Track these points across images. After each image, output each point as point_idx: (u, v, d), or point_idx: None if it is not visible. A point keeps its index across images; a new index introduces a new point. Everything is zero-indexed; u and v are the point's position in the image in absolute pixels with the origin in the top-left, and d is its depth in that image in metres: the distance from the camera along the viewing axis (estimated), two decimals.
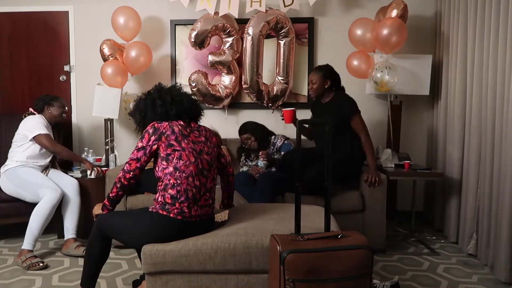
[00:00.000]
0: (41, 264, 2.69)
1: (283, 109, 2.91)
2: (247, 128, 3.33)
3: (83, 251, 2.77)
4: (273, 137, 3.36)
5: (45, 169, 3.11)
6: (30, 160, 3.01)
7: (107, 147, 3.67)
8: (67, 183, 3.04)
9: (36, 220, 2.78)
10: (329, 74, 3.02)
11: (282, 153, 3.21)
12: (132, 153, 1.92)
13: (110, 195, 1.96)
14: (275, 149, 3.26)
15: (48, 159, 3.12)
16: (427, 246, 3.08)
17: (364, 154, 2.97)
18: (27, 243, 2.76)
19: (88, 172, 3.24)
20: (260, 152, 3.16)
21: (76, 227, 2.99)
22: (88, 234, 2.06)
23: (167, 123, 1.95)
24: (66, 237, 2.96)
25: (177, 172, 1.88)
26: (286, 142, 3.29)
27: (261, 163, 3.12)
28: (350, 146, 2.95)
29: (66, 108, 3.25)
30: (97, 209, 2.04)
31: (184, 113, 2.01)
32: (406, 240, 3.20)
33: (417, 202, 3.42)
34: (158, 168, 1.93)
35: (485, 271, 2.62)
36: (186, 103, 2.03)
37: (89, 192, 3.18)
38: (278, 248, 1.60)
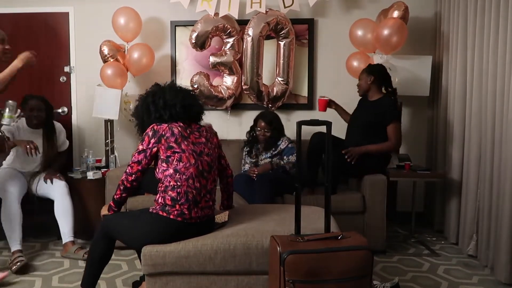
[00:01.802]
0: (18, 264, 2.61)
1: (319, 98, 3.28)
2: (273, 119, 3.21)
3: (83, 255, 2.77)
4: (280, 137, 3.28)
5: (33, 175, 3.08)
6: (17, 163, 3.06)
7: (107, 148, 3.67)
8: (54, 187, 2.99)
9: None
10: (373, 71, 3.06)
11: (285, 157, 3.17)
12: (133, 155, 1.94)
13: (115, 197, 1.99)
14: (277, 151, 3.23)
15: (34, 166, 3.11)
16: (427, 247, 3.08)
17: (389, 156, 3.08)
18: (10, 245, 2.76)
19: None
20: (252, 170, 3.10)
21: (73, 229, 2.94)
22: (86, 234, 2.06)
23: (166, 125, 1.94)
24: (64, 241, 2.92)
25: (177, 174, 1.88)
26: (290, 145, 3.20)
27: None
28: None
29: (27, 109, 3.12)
30: (104, 210, 2.08)
31: (177, 116, 1.98)
32: (406, 241, 3.20)
33: (417, 203, 3.42)
34: (159, 170, 1.93)
35: (485, 272, 2.62)
36: (179, 107, 1.98)
37: (89, 192, 3.17)
38: (278, 249, 1.60)
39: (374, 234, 2.86)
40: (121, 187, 1.96)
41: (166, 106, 1.98)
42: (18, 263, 2.62)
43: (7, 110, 2.67)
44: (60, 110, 3.88)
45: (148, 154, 1.91)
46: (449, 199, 3.22)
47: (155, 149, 1.91)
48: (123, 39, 3.59)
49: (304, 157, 3.00)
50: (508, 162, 2.39)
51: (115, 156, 3.67)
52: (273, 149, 3.22)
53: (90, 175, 3.26)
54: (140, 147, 1.93)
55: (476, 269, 2.67)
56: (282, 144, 3.22)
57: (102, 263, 2.02)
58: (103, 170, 3.42)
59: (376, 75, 3.05)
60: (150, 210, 1.91)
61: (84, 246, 2.94)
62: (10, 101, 2.69)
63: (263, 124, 3.18)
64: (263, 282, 1.89)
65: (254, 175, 3.05)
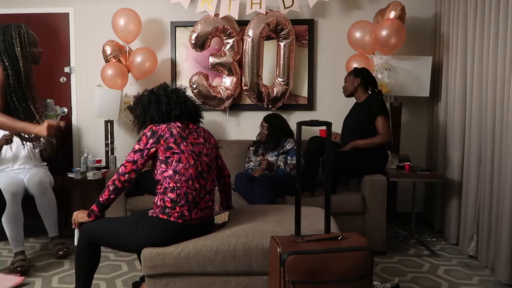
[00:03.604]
0: (18, 269, 2.59)
1: (320, 129, 3.38)
2: (271, 119, 3.36)
3: (60, 251, 2.82)
4: (286, 138, 3.33)
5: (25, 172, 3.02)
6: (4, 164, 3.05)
7: (107, 148, 3.67)
8: (29, 183, 2.92)
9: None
10: (360, 74, 3.13)
11: (289, 158, 3.19)
12: (128, 155, 1.88)
13: (100, 199, 1.89)
14: (282, 150, 3.24)
15: (22, 161, 3.06)
16: (427, 247, 3.07)
17: (387, 155, 3.08)
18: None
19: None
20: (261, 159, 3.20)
21: (55, 225, 2.94)
22: (71, 231, 2.00)
23: (164, 125, 1.92)
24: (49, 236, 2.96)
25: (177, 175, 1.87)
26: (295, 147, 3.23)
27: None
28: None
29: None
30: (81, 217, 1.93)
31: (186, 114, 2.00)
32: (406, 242, 3.19)
33: (417, 203, 3.42)
34: (157, 171, 1.91)
35: (486, 272, 2.62)
36: (190, 105, 2.03)
37: (88, 193, 3.17)
38: (278, 249, 1.60)
39: (374, 235, 2.85)
40: (111, 187, 1.85)
41: (178, 102, 1.99)
42: (19, 268, 2.60)
43: (48, 110, 2.57)
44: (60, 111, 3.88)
45: (145, 154, 1.87)
46: (449, 200, 3.22)
47: (153, 149, 1.88)
48: (123, 40, 3.59)
49: (303, 161, 3.02)
50: (508, 162, 2.39)
51: (115, 156, 3.67)
52: (279, 149, 3.26)
53: (90, 175, 3.26)
54: (137, 147, 1.89)
55: (476, 270, 2.67)
56: (288, 145, 3.26)
57: (92, 270, 1.96)
58: (103, 170, 3.43)
59: (362, 77, 3.11)
60: (150, 214, 1.89)
61: (65, 242, 2.97)
62: (48, 100, 2.60)
63: (263, 123, 3.33)
64: (263, 282, 1.89)
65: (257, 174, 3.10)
